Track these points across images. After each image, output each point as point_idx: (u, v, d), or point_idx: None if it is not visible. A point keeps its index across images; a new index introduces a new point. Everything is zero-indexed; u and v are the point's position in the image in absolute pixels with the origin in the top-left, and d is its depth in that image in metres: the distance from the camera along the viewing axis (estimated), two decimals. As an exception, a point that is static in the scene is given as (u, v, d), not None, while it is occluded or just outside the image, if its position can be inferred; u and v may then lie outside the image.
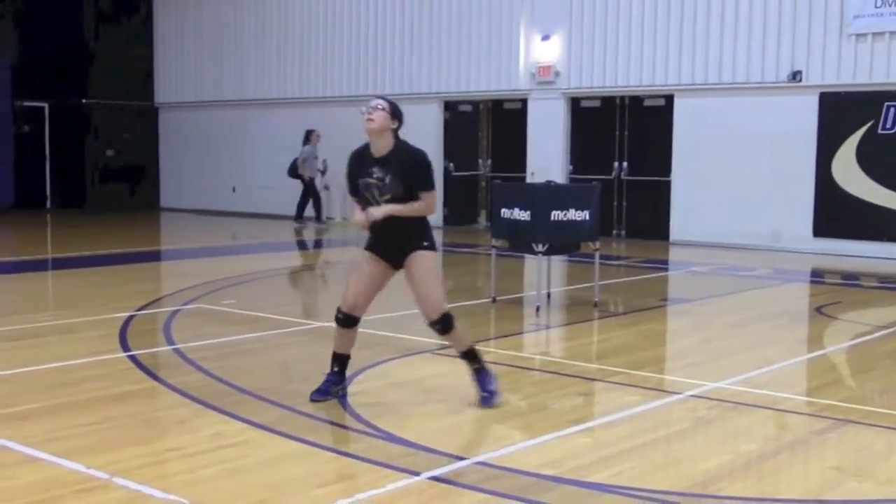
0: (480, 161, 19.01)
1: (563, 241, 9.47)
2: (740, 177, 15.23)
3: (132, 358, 6.97)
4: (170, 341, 7.66)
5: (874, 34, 14.05)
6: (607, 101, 17.00)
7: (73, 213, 21.63)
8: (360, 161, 5.67)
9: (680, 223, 16.04)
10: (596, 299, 9.60)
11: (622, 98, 16.87)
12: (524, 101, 17.74)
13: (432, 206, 5.62)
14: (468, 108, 19.02)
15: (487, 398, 5.71)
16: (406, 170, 5.52)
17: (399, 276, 5.71)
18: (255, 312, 8.98)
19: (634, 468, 4.68)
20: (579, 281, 11.02)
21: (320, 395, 5.79)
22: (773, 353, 7.48)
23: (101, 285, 11.04)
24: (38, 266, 13.24)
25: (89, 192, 22.68)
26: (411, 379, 6.46)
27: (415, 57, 18.92)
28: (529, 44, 17.39)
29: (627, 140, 16.92)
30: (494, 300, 9.64)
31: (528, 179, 16.84)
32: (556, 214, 9.11)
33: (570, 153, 17.37)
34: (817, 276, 12.88)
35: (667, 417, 5.72)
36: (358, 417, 5.47)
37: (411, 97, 18.25)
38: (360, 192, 5.65)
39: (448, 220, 18.45)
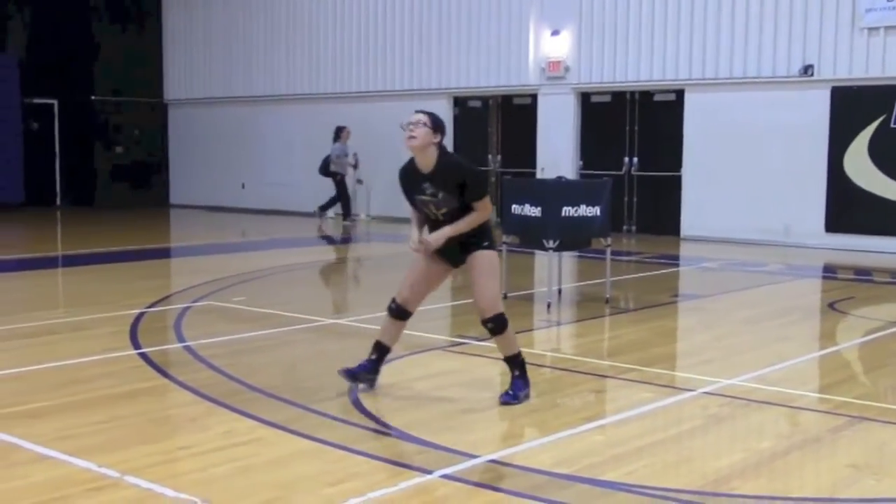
0: (490, 157, 18.96)
1: (574, 237, 9.43)
2: (751, 172, 15.17)
3: (143, 355, 6.96)
4: (180, 338, 7.65)
5: (886, 28, 13.98)
6: (617, 96, 16.95)
7: (83, 211, 21.66)
8: (410, 178, 5.65)
9: (691, 218, 15.98)
10: (607, 295, 9.57)
11: (632, 93, 16.82)
12: (534, 97, 17.70)
13: (487, 211, 5.60)
14: (478, 103, 18.96)
15: (509, 398, 5.66)
16: (455, 187, 5.49)
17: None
18: (265, 309, 8.97)
19: (647, 466, 4.65)
20: (590, 277, 10.98)
21: (349, 375, 5.79)
22: (786, 350, 7.43)
23: (111, 282, 11.05)
24: (49, 263, 13.25)
25: (99, 190, 22.69)
26: (423, 376, 6.43)
27: (424, 52, 18.89)
28: (539, 39, 17.34)
29: (638, 135, 16.87)
30: (505, 296, 9.58)
31: (539, 175, 16.81)
32: (567, 210, 9.08)
33: (580, 149, 17.33)
34: (829, 271, 12.82)
35: (679, 415, 5.69)
36: (369, 415, 5.45)
37: (420, 93, 18.25)
38: (418, 207, 5.67)
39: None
